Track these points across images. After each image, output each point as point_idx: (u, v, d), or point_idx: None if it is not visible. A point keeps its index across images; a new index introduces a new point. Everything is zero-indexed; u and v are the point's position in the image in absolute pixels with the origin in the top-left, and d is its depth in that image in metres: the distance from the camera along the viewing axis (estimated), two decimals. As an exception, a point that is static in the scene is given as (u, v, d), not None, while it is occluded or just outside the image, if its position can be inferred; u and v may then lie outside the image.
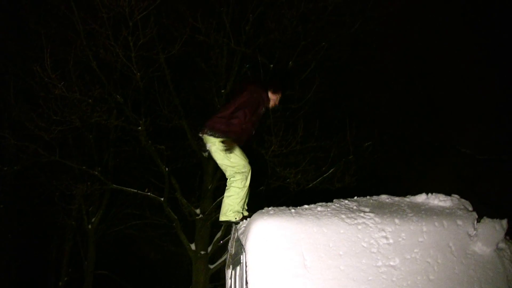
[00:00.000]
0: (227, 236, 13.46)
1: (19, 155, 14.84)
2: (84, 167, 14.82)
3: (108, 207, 19.25)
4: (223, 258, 14.09)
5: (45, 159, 14.12)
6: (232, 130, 7.08)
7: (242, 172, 7.29)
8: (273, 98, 7.62)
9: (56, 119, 13.10)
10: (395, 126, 15.40)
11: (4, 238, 19.31)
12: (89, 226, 19.61)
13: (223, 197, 7.60)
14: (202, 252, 14.70)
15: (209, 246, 14.86)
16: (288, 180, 14.00)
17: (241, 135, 7.18)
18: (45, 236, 20.57)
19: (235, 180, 7.27)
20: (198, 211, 14.84)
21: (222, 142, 7.09)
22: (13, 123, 14.47)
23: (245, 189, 7.38)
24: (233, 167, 7.27)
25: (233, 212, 7.29)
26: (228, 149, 7.07)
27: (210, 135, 7.16)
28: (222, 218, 7.41)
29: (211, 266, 14.82)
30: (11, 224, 19.11)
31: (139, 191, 15.09)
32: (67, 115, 13.08)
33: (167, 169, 14.56)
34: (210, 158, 14.78)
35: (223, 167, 7.49)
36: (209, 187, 14.78)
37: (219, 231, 14.92)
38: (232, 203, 7.28)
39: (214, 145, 7.23)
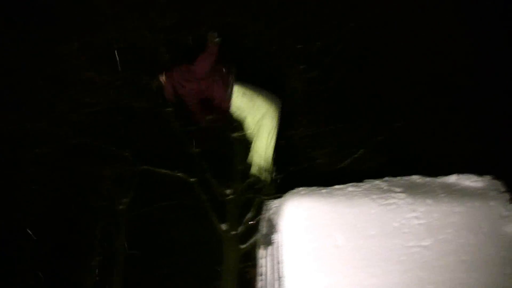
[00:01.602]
0: (258, 216, 13.50)
1: (49, 137, 14.99)
2: (114, 149, 14.96)
3: (138, 188, 19.41)
4: (254, 238, 14.16)
5: (75, 141, 14.26)
6: None
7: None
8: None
9: (85, 102, 13.22)
10: (426, 106, 15.24)
11: (36, 220, 19.59)
12: (120, 207, 19.83)
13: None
14: (233, 232, 14.78)
15: (239, 226, 14.93)
16: (318, 161, 14.01)
17: None
18: (76, 218, 20.81)
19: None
20: (228, 191, 14.91)
21: None
22: (43, 106, 14.61)
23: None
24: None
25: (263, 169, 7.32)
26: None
27: None
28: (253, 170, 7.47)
29: (242, 246, 14.90)
30: (43, 207, 19.34)
31: (169, 172, 15.19)
32: (96, 98, 13.19)
33: (197, 150, 14.62)
34: (240, 140, 14.84)
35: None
36: (239, 168, 14.81)
37: (249, 212, 14.97)
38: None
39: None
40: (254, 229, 14.48)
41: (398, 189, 5.94)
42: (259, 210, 13.84)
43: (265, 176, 7.26)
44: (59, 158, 16.70)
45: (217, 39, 7.09)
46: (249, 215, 14.98)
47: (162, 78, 7.37)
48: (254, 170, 7.40)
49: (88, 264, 20.75)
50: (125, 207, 19.83)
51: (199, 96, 7.28)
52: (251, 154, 7.41)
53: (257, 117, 7.41)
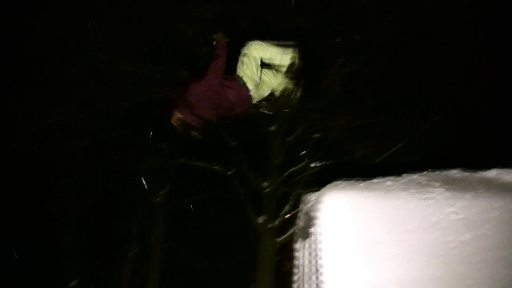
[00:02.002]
0: (295, 209, 13.50)
1: (88, 130, 15.18)
2: (151, 142, 15.08)
3: (175, 181, 19.53)
4: (290, 231, 14.18)
5: (114, 134, 14.41)
6: None
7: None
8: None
9: (124, 94, 13.34)
10: (465, 100, 15.06)
11: (73, 212, 19.85)
12: (157, 200, 19.99)
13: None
14: (269, 225, 14.82)
15: (276, 219, 14.96)
16: (356, 154, 13.97)
17: None
18: (114, 210, 21.02)
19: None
20: (265, 184, 14.95)
21: None
22: (83, 99, 14.78)
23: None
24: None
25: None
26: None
27: None
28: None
29: (278, 239, 14.94)
30: (80, 199, 19.59)
31: (206, 165, 15.28)
32: (135, 91, 13.30)
33: (233, 143, 14.68)
34: (276, 133, 14.86)
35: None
36: (276, 161, 14.84)
37: (286, 205, 15.00)
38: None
39: None
40: (290, 222, 14.51)
41: (437, 184, 5.90)
42: (296, 203, 13.86)
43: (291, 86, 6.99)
44: (98, 151, 16.93)
45: (225, 39, 6.91)
46: (286, 208, 15.01)
47: (174, 120, 6.84)
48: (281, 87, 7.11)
49: (125, 256, 20.94)
50: (162, 200, 19.98)
51: (217, 109, 6.88)
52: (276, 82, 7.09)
53: (279, 77, 7.20)
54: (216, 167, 15.31)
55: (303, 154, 15.05)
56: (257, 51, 6.85)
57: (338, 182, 5.94)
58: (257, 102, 6.92)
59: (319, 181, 7.13)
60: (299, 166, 15.03)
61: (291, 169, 15.02)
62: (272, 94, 7.40)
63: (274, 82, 7.12)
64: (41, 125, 15.50)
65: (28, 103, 14.82)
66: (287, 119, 14.96)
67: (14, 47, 14.31)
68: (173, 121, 6.72)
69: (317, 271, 5.65)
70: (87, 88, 13.88)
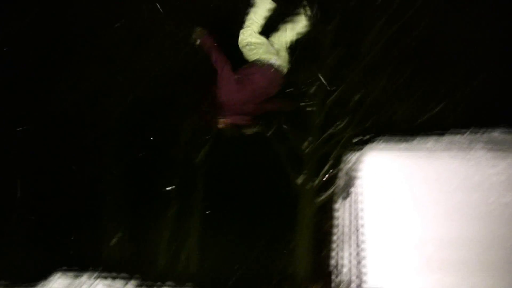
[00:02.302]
0: (334, 170, 13.54)
1: (131, 91, 15.37)
2: (192, 102, 15.17)
3: (216, 140, 19.63)
4: (330, 191, 14.23)
5: (156, 94, 14.53)
6: None
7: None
8: None
9: (166, 55, 13.41)
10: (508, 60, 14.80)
11: (114, 172, 20.14)
12: (196, 160, 20.16)
13: None
14: (309, 186, 14.89)
15: (315, 179, 15.01)
16: (396, 115, 13.89)
17: None
18: (154, 169, 21.24)
19: None
20: (305, 145, 14.97)
21: None
22: (125, 61, 14.93)
23: None
24: None
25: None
26: None
27: None
28: None
29: (318, 200, 15.00)
30: (122, 158, 19.85)
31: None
32: (176, 52, 13.34)
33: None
34: (316, 94, 14.83)
35: None
36: (317, 121, 14.84)
37: (326, 165, 15.02)
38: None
39: None
40: (330, 182, 14.55)
41: (478, 145, 5.88)
42: (335, 164, 13.91)
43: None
44: (141, 111, 17.15)
45: (204, 32, 6.28)
46: (325, 169, 15.03)
47: (221, 126, 6.39)
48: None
49: (165, 215, 21.18)
50: (202, 159, 20.14)
51: (254, 99, 6.23)
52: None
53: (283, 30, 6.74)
54: (256, 127, 15.33)
55: (343, 115, 15.02)
56: (251, 32, 6.40)
57: (379, 142, 5.95)
58: (287, 65, 6.52)
59: (359, 142, 7.13)
60: (339, 127, 15.01)
61: (331, 130, 15.03)
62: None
63: (284, 38, 6.76)
64: (85, 89, 15.79)
65: (73, 68, 15.07)
66: (327, 80, 14.91)
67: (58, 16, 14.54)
68: (220, 127, 6.48)
69: (357, 230, 5.72)
70: (129, 50, 14.01)
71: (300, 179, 15.11)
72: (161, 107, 16.86)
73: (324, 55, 14.81)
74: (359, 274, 5.88)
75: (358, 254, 5.93)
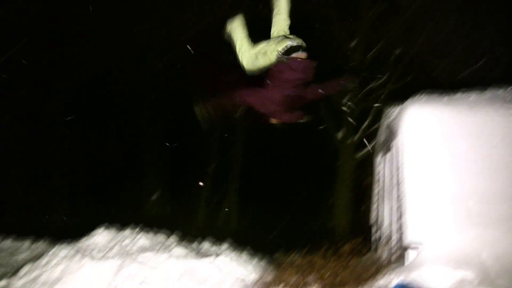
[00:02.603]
0: (374, 125, 13.46)
1: (173, 45, 15.46)
2: (232, 56, 15.18)
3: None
4: (370, 146, 14.17)
5: (197, 49, 14.60)
6: None
7: None
8: None
9: (207, 10, 13.41)
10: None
11: (154, 129, 20.33)
12: (236, 115, 20.21)
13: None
14: (349, 141, 14.86)
15: (355, 134, 14.96)
16: (437, 70, 13.72)
17: None
18: (194, 126, 21.36)
19: None
20: (345, 100, 14.88)
21: None
22: (165, 16, 14.98)
23: None
24: None
25: None
26: None
27: None
28: None
29: (358, 155, 14.97)
30: (161, 116, 20.00)
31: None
32: (216, 5, 13.33)
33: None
34: (356, 48, 14.73)
35: None
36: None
37: (366, 120, 14.94)
38: None
39: None
40: (370, 137, 14.48)
41: (522, 99, 5.82)
42: (375, 119, 13.83)
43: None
44: (182, 65, 17.23)
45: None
46: (365, 124, 14.95)
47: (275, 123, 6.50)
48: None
49: (205, 171, 21.32)
50: (242, 115, 20.17)
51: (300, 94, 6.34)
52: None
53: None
54: (297, 83, 15.28)
55: (383, 70, 14.88)
56: (247, 47, 6.25)
57: (421, 96, 5.93)
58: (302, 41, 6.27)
59: (400, 97, 7.08)
60: (379, 81, 14.87)
61: (371, 85, 14.89)
62: None
63: (280, 25, 6.53)
64: (123, 47, 15.93)
65: (111, 26, 15.19)
66: (367, 34, 14.77)
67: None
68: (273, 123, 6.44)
69: (398, 184, 5.74)
70: (171, 5, 14.04)
71: (339, 134, 15.06)
72: (199, 63, 16.94)
73: (364, 10, 14.65)
74: (399, 229, 5.92)
75: (398, 209, 5.96)
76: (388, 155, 6.95)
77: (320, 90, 5.76)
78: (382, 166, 7.94)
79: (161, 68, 17.94)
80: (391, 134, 6.23)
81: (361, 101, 14.58)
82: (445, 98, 5.89)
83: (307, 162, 21.45)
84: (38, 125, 18.56)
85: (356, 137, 14.95)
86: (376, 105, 14.19)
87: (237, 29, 6.07)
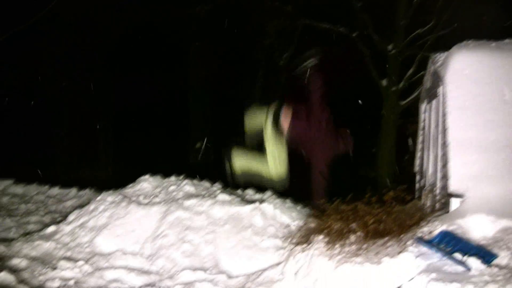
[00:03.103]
0: (419, 72, 13.27)
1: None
2: (277, 3, 15.07)
3: (299, 43, 19.50)
4: (415, 94, 14.01)
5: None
6: None
7: None
8: None
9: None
10: None
11: (200, 76, 20.40)
12: (281, 62, 20.13)
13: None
14: (394, 88, 14.70)
15: (400, 82, 14.79)
16: (484, 16, 13.41)
17: None
18: (238, 74, 21.36)
19: None
20: (390, 46, 14.69)
21: None
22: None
23: None
24: None
25: None
26: None
27: None
28: None
29: (402, 102, 14.83)
30: (207, 61, 20.01)
31: (331, 26, 15.17)
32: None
33: (359, 4, 14.42)
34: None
35: None
36: (402, 23, 14.49)
37: (411, 67, 14.73)
38: None
39: None
40: (414, 85, 14.31)
41: None
42: (420, 66, 13.62)
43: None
44: (223, 14, 17.20)
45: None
46: (410, 71, 14.75)
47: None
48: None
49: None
50: (286, 63, 20.09)
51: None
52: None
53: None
54: (340, 29, 15.14)
55: (429, 16, 14.58)
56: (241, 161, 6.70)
57: (469, 42, 5.82)
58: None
59: (447, 44, 6.95)
60: (425, 28, 14.61)
61: (417, 31, 14.63)
62: None
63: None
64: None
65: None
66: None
67: None
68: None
69: (444, 131, 5.68)
70: None
71: (384, 82, 14.90)
72: (245, 9, 16.85)
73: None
74: (444, 176, 5.89)
75: (443, 156, 5.92)
76: (434, 102, 6.88)
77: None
78: (428, 113, 7.87)
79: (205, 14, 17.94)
80: (437, 81, 6.15)
81: (407, 47, 14.36)
82: (494, 44, 5.78)
83: (350, 109, 21.35)
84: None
85: (401, 84, 14.77)
86: (422, 51, 13.95)
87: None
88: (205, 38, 19.08)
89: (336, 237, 5.26)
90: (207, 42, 19.22)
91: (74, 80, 19.81)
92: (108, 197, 7.87)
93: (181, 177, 8.81)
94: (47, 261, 6.41)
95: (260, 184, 7.64)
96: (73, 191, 11.63)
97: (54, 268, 6.00)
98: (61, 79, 20.05)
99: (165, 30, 18.65)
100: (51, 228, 7.55)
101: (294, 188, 7.46)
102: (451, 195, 5.14)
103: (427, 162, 7.78)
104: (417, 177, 9.15)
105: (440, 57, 6.35)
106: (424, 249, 4.34)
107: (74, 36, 18.31)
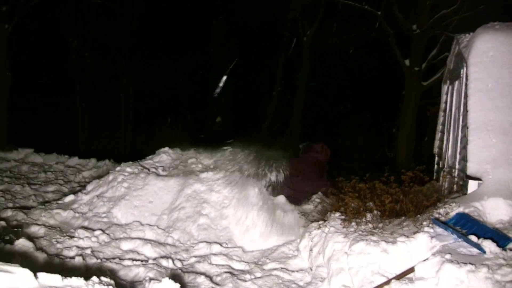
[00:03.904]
0: (443, 53, 13.16)
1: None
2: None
3: (324, 19, 19.42)
4: (437, 75, 13.91)
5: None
6: None
7: None
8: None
9: None
10: None
11: (223, 50, 20.41)
12: (304, 39, 20.08)
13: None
14: (416, 69, 14.58)
15: (423, 62, 14.68)
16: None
17: None
18: (262, 47, 21.34)
19: None
20: (414, 26, 14.55)
21: None
22: None
23: None
24: None
25: None
26: None
27: None
28: None
29: (424, 83, 14.73)
30: (229, 36, 20.00)
31: (356, 4, 15.07)
32: None
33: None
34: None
35: None
36: (427, 3, 14.33)
37: (434, 48, 14.60)
38: None
39: None
40: (437, 66, 14.20)
41: None
42: (444, 48, 13.50)
43: None
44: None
45: None
46: (434, 52, 14.63)
47: None
48: None
49: (270, 94, 21.43)
50: (310, 39, 20.03)
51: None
52: None
53: None
54: (365, 6, 15.03)
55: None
56: None
57: (495, 23, 5.75)
58: None
59: (471, 26, 6.88)
60: (451, 8, 14.43)
61: (442, 11, 14.46)
62: None
63: None
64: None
65: None
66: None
67: None
68: None
69: (465, 113, 5.66)
70: None
71: (407, 62, 14.77)
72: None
73: None
74: (463, 159, 5.87)
75: (463, 138, 5.89)
76: (457, 83, 6.83)
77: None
78: (450, 95, 7.82)
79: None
80: (462, 62, 6.10)
81: (431, 27, 14.21)
82: (518, 27, 5.72)
83: (374, 88, 21.28)
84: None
85: (424, 65, 14.66)
86: (446, 32, 13.80)
87: None
88: (228, 13, 19.04)
89: (352, 215, 5.28)
90: (231, 17, 19.17)
91: (97, 52, 19.99)
92: (127, 168, 7.92)
93: (200, 150, 8.86)
94: (65, 230, 6.51)
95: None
96: (92, 161, 11.76)
97: (72, 237, 6.08)
98: (83, 50, 20.23)
99: (188, 5, 18.69)
100: (70, 198, 7.64)
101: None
102: (469, 178, 5.13)
103: (446, 144, 7.76)
104: (436, 159, 9.12)
105: (465, 38, 6.29)
106: (439, 230, 4.35)
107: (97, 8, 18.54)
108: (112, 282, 3.21)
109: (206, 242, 6.20)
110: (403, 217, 5.00)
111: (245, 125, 21.20)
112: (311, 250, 5.34)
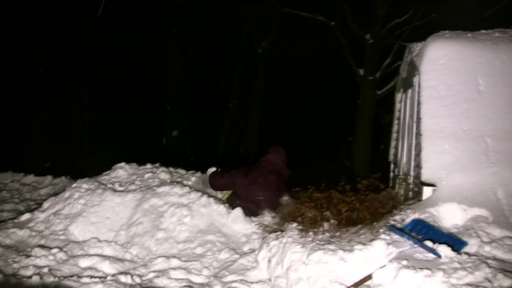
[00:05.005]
0: (397, 62, 13.35)
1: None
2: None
3: (278, 31, 19.52)
4: (391, 84, 14.11)
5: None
6: None
7: None
8: None
9: None
10: None
11: (178, 63, 20.33)
12: (259, 50, 20.16)
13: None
14: (370, 78, 14.77)
15: (377, 71, 14.87)
16: (462, 7, 13.50)
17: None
18: (215, 59, 21.35)
19: None
20: (368, 36, 14.74)
21: None
22: None
23: None
24: None
25: None
26: None
27: None
28: None
29: (379, 92, 14.92)
30: (184, 48, 19.93)
31: (310, 15, 15.18)
32: None
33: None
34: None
35: None
36: (380, 12, 14.53)
37: (388, 57, 14.82)
38: None
39: None
40: (391, 75, 14.40)
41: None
42: (397, 57, 13.70)
43: None
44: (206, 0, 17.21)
45: None
46: (387, 61, 14.84)
47: None
48: None
49: (226, 106, 21.44)
50: (265, 50, 20.12)
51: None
52: None
53: None
54: (319, 17, 15.17)
55: (407, 6, 14.64)
56: None
57: (445, 32, 5.86)
58: None
59: (423, 34, 7.00)
60: (403, 17, 14.67)
61: (395, 21, 14.69)
62: None
63: None
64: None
65: None
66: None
67: None
68: None
69: (418, 120, 5.73)
70: None
71: (361, 71, 14.96)
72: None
73: None
74: (417, 165, 5.94)
75: (417, 145, 5.97)
76: (410, 91, 6.92)
77: None
78: (403, 103, 7.93)
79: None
80: (414, 70, 6.19)
81: (384, 37, 14.41)
82: (470, 34, 5.83)
83: (328, 98, 21.44)
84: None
85: (378, 74, 14.85)
86: (399, 41, 14.01)
87: None
88: (184, 25, 18.97)
89: (309, 224, 5.28)
90: (186, 29, 19.11)
91: (52, 66, 19.74)
92: (84, 184, 7.79)
93: (157, 164, 8.79)
94: (21, 249, 6.36)
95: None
96: (49, 178, 11.56)
97: (28, 256, 5.95)
98: (38, 64, 19.95)
99: (144, 17, 18.60)
100: (26, 216, 7.49)
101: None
102: (423, 184, 5.19)
103: (401, 151, 7.86)
104: (392, 166, 9.23)
105: (417, 47, 6.40)
106: (396, 236, 4.39)
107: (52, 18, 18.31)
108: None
109: (164, 256, 6.14)
110: (360, 225, 5.03)
111: (203, 138, 21.16)
112: (269, 261, 5.32)
